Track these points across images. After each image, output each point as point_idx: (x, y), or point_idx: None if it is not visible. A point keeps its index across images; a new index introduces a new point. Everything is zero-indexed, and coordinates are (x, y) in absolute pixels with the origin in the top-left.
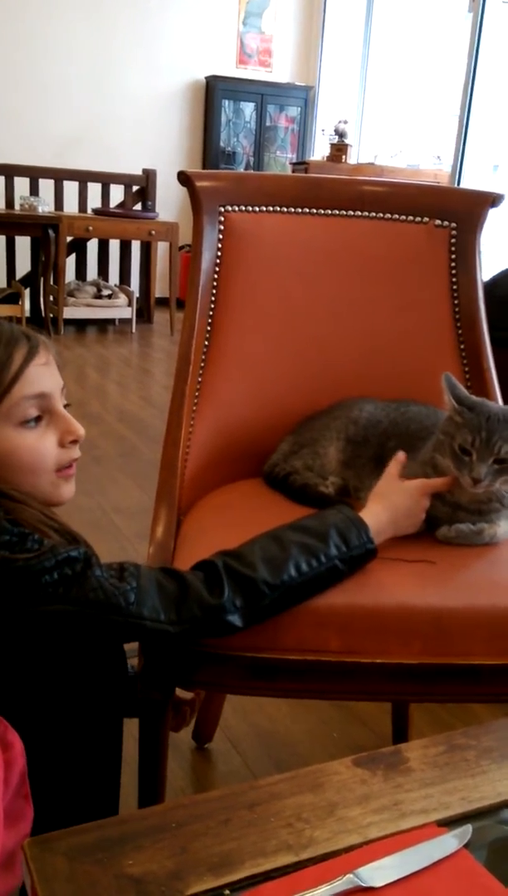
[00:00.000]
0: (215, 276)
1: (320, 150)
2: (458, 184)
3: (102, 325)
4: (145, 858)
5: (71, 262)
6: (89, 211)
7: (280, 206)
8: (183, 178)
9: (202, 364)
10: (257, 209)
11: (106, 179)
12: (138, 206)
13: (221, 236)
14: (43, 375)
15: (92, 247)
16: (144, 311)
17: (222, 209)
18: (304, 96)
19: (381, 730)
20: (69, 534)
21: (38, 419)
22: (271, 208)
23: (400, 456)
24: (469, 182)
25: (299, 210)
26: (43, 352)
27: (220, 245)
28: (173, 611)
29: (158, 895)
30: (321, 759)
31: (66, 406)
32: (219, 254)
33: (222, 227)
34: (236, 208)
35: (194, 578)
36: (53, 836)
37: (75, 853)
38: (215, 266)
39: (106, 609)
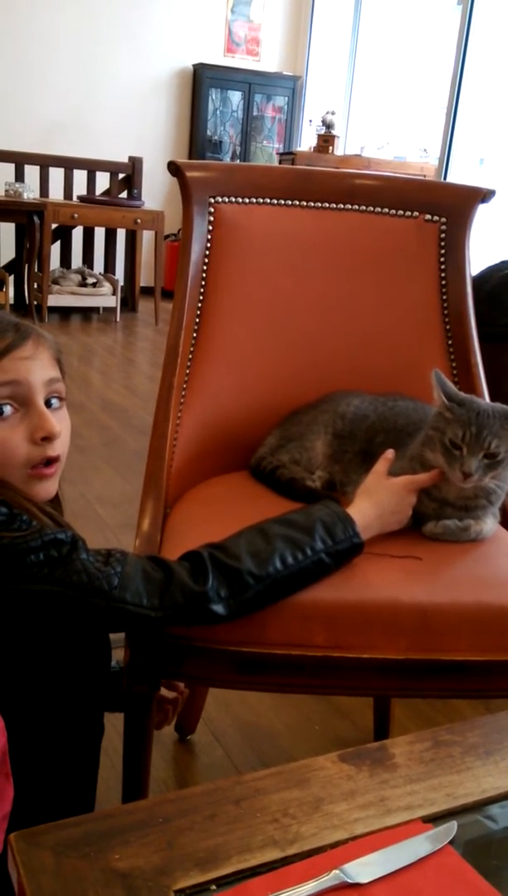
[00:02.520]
0: (204, 267)
1: (307, 141)
2: (444, 177)
3: (87, 313)
4: (132, 853)
5: (56, 249)
6: (75, 198)
7: (270, 198)
8: (173, 168)
9: (190, 356)
10: (247, 201)
11: (92, 167)
12: (124, 194)
13: (210, 227)
14: (22, 367)
15: (77, 234)
16: (129, 299)
17: (212, 200)
18: (291, 86)
19: (363, 723)
20: (57, 521)
21: (11, 409)
22: (261, 200)
23: (389, 454)
24: (456, 175)
25: (290, 202)
26: (30, 345)
27: (209, 236)
28: (156, 596)
29: (145, 890)
30: (303, 752)
31: (54, 402)
32: (208, 245)
33: (211, 219)
34: (226, 199)
35: (179, 567)
36: (40, 830)
37: (62, 847)
38: (204, 257)
39: (88, 592)
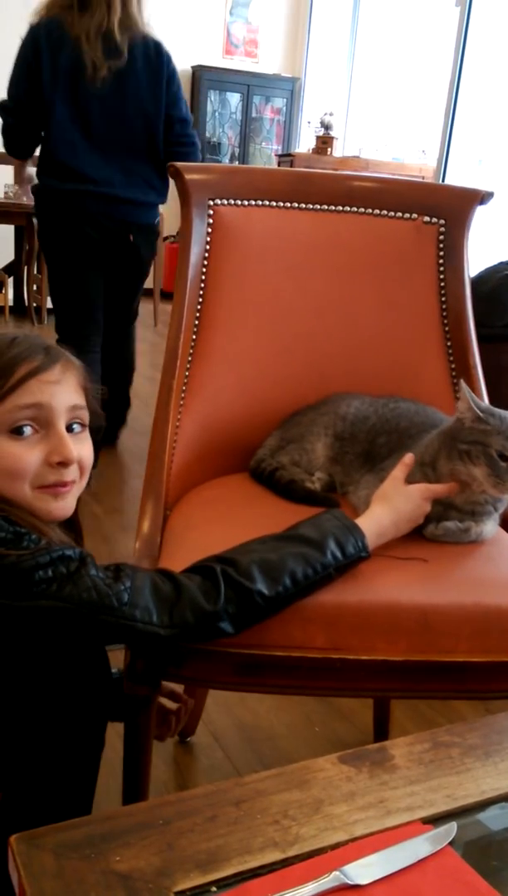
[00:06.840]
0: (204, 269)
1: (305, 143)
2: (443, 178)
3: None
4: (132, 855)
5: None
6: None
7: (269, 200)
8: (173, 170)
9: (190, 358)
10: (246, 203)
11: None
12: None
13: (209, 230)
14: (47, 390)
15: None
16: None
17: (212, 202)
18: (290, 88)
19: (363, 724)
20: (64, 540)
21: (31, 430)
22: (260, 202)
23: (407, 459)
24: (454, 176)
25: (289, 204)
26: (58, 369)
27: (208, 238)
28: (166, 613)
29: (146, 892)
30: (303, 754)
31: (76, 428)
32: (207, 247)
33: (210, 221)
34: (225, 202)
35: (189, 583)
36: (41, 832)
37: (63, 849)
38: (203, 260)
39: (98, 609)
